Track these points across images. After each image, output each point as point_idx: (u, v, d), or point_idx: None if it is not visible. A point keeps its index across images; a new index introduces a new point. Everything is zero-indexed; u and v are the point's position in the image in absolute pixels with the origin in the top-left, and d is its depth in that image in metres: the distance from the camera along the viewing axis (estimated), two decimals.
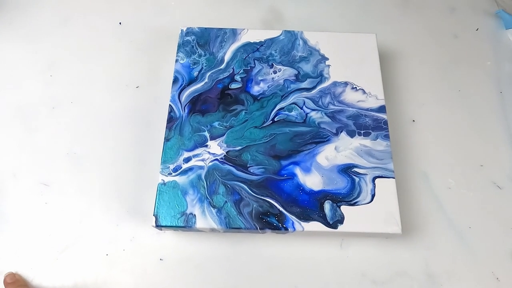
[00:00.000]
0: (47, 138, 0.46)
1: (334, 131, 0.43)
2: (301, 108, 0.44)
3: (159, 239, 0.42)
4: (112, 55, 0.51)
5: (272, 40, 0.48)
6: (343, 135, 0.43)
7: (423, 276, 0.41)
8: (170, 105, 0.43)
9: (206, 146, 0.42)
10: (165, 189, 0.39)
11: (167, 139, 0.42)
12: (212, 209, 0.39)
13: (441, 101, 0.50)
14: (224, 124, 0.43)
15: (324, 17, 0.55)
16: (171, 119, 0.43)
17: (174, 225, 0.38)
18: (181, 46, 0.47)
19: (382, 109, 0.44)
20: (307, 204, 0.39)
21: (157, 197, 0.39)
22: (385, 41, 0.53)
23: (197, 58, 0.46)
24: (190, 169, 0.40)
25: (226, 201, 0.39)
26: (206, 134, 0.42)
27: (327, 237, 0.42)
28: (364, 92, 0.45)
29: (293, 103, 0.44)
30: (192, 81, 0.45)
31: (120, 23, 0.54)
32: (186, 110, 0.43)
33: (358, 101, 0.44)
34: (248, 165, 0.41)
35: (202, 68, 0.46)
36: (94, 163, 0.45)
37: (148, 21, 0.54)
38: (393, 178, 0.40)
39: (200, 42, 0.47)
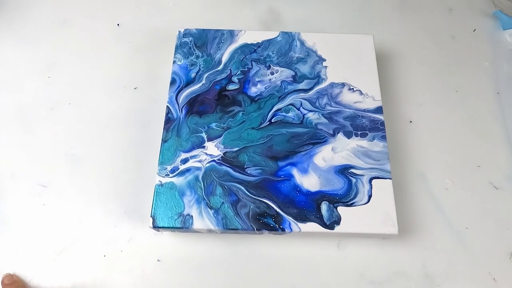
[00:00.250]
0: (45, 139, 0.46)
1: (331, 132, 0.43)
2: (298, 109, 0.44)
3: (156, 240, 0.42)
4: (110, 57, 0.51)
5: (269, 41, 0.48)
6: (340, 136, 0.43)
7: (420, 277, 0.41)
8: (167, 106, 0.44)
9: (204, 147, 0.42)
10: (163, 190, 0.40)
11: (164, 141, 0.42)
12: (209, 210, 0.39)
13: (439, 101, 0.50)
14: (222, 125, 0.43)
15: (321, 18, 0.55)
16: (168, 120, 0.43)
17: (172, 226, 0.38)
18: (179, 47, 0.47)
19: (379, 110, 0.44)
20: (304, 205, 0.39)
21: (155, 198, 0.39)
22: (383, 41, 0.53)
23: (195, 60, 0.46)
24: (188, 170, 0.40)
25: (223, 202, 0.39)
26: (204, 135, 0.42)
27: (324, 237, 0.42)
28: (361, 93, 0.45)
29: (290, 104, 0.44)
30: (189, 82, 0.45)
31: (118, 24, 0.54)
32: (183, 112, 0.43)
33: (355, 102, 0.44)
34: (245, 166, 0.41)
35: (199, 69, 0.46)
36: (92, 164, 0.45)
37: (146, 22, 0.54)
38: (390, 179, 0.40)
39: (197, 43, 0.47)
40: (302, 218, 0.39)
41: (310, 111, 0.44)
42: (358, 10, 0.56)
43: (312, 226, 0.38)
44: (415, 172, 0.46)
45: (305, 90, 0.45)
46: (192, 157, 0.41)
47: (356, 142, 0.42)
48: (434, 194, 0.45)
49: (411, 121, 0.48)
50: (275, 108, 0.44)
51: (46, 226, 0.42)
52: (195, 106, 0.44)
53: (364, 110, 0.44)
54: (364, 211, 0.39)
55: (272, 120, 0.43)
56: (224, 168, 0.41)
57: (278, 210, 0.39)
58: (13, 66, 0.51)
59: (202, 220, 0.38)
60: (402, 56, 0.53)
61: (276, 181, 0.40)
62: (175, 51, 0.47)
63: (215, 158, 0.41)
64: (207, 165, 0.41)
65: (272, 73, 0.46)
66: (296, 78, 0.46)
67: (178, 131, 0.42)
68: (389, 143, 0.45)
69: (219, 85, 0.45)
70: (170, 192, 0.39)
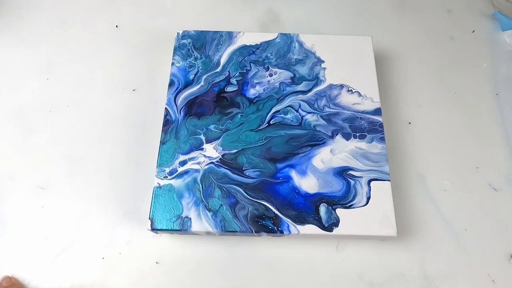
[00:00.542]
0: (43, 141, 0.46)
1: (329, 134, 0.43)
2: (297, 111, 0.44)
3: (155, 242, 0.42)
4: (108, 58, 0.51)
5: (268, 43, 0.48)
6: (339, 138, 0.43)
7: (419, 278, 0.41)
8: (166, 108, 0.44)
9: (202, 149, 0.42)
10: (161, 193, 0.39)
11: (163, 142, 0.42)
12: (207, 212, 0.39)
13: (437, 103, 0.50)
14: (220, 127, 0.43)
15: (320, 20, 0.55)
16: (167, 122, 0.43)
17: (170, 228, 0.38)
18: (177, 49, 0.47)
19: (377, 111, 0.44)
20: (303, 207, 0.39)
21: (153, 200, 0.39)
22: (381, 43, 0.53)
23: (193, 61, 0.46)
24: (186, 172, 0.40)
25: (221, 204, 0.39)
26: (202, 137, 0.42)
27: (323, 239, 0.42)
28: (359, 94, 0.45)
29: (288, 106, 0.44)
30: (188, 84, 0.45)
31: (116, 26, 0.54)
32: (182, 113, 0.43)
33: (353, 104, 0.44)
34: (243, 168, 0.41)
35: (198, 71, 0.46)
36: (90, 166, 0.45)
37: (144, 24, 0.54)
38: (389, 180, 0.40)
39: (196, 45, 0.47)
40: (300, 220, 0.39)
41: (309, 112, 0.44)
42: (356, 12, 0.56)
43: (310, 228, 0.38)
44: (413, 174, 0.45)
45: (304, 92, 0.45)
46: (190, 159, 0.41)
47: (354, 144, 0.42)
48: (433, 195, 0.45)
49: (410, 123, 0.48)
50: (273, 110, 0.44)
51: (45, 228, 0.42)
52: (193, 108, 0.44)
53: (362, 112, 0.44)
54: (362, 213, 0.39)
55: (271, 122, 0.43)
56: (223, 170, 0.41)
57: (276, 212, 0.39)
58: (12, 67, 0.51)
59: (200, 222, 0.38)
60: (401, 57, 0.53)
61: (274, 183, 0.40)
62: (174, 52, 0.47)
63: (213, 160, 0.41)
64: (206, 167, 0.41)
65: (270, 75, 0.46)
66: (295, 80, 0.46)
67: (176, 133, 0.42)
68: (388, 145, 0.45)
69: (218, 86, 0.45)
70: (169, 194, 0.39)
